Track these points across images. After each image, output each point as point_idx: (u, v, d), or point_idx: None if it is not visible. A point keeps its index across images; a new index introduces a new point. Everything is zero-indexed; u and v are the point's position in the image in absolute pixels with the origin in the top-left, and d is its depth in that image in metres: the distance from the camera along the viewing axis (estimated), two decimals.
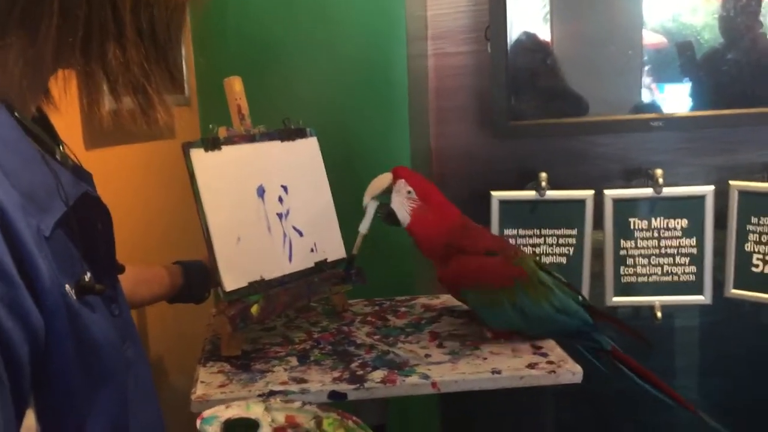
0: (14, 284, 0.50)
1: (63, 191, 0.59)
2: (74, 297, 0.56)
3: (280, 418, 0.86)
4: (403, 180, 1.30)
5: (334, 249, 1.43)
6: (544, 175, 1.76)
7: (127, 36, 0.60)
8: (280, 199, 1.34)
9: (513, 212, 1.79)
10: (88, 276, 0.59)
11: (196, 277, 1.28)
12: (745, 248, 1.73)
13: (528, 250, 1.78)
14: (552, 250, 1.79)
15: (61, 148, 0.64)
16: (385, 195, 1.32)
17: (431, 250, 1.32)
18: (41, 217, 0.55)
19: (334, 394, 1.12)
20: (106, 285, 0.63)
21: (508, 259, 1.28)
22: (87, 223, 0.62)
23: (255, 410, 0.86)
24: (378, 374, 1.16)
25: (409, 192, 1.30)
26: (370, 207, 1.33)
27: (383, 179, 1.32)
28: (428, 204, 1.30)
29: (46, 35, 0.56)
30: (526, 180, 1.85)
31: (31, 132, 0.59)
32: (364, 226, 1.34)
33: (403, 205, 1.30)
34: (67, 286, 0.56)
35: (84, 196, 0.61)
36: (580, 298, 1.31)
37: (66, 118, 0.71)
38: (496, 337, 1.27)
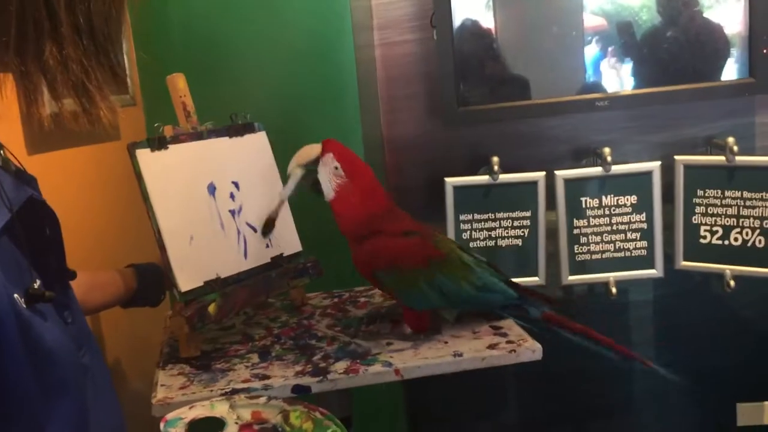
0: None
1: (6, 197, 0.57)
2: (24, 306, 0.55)
3: (246, 414, 0.85)
4: (331, 154, 1.27)
5: (289, 243, 1.42)
6: (496, 159, 1.77)
7: (62, 33, 0.58)
8: (232, 196, 1.33)
9: (467, 197, 1.80)
10: (37, 283, 0.57)
11: (151, 280, 1.26)
12: (693, 221, 1.77)
13: (484, 234, 1.80)
14: (507, 233, 1.81)
15: (1, 152, 0.62)
16: (312, 165, 1.28)
17: (349, 229, 1.28)
18: None
19: (297, 388, 1.11)
20: (57, 291, 0.61)
21: (426, 239, 1.27)
22: (34, 229, 0.60)
23: (219, 409, 0.86)
24: (341, 365, 1.16)
25: (336, 168, 1.26)
26: (294, 174, 1.28)
27: (312, 149, 1.28)
28: (354, 183, 1.27)
29: None
30: (479, 165, 1.86)
31: None
32: (284, 193, 1.29)
33: (329, 179, 1.27)
34: (16, 295, 0.54)
35: (29, 200, 0.60)
36: (502, 275, 1.33)
37: (5, 123, 0.69)
38: (416, 330, 1.27)
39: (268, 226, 1.36)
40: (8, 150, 0.64)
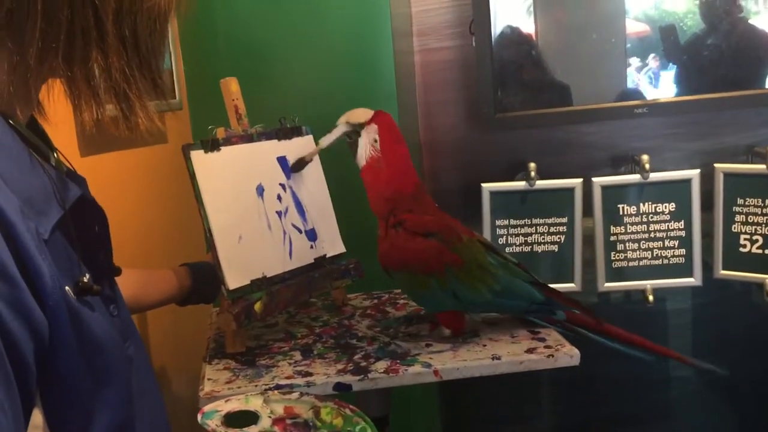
0: (17, 285, 0.51)
1: (59, 195, 0.60)
2: (74, 297, 0.58)
3: (279, 409, 0.87)
4: (375, 126, 1.28)
5: (333, 245, 1.45)
6: (533, 165, 1.78)
7: (108, 42, 0.61)
8: (279, 198, 1.36)
9: (504, 203, 1.81)
10: (87, 277, 0.60)
11: (205, 278, 1.29)
12: (732, 229, 1.76)
13: (520, 239, 1.81)
14: (543, 239, 1.82)
15: (55, 154, 0.65)
16: (358, 128, 1.30)
17: (375, 203, 1.29)
18: (39, 221, 0.56)
19: (339, 386, 1.14)
20: (105, 286, 0.64)
21: (446, 244, 1.25)
22: (84, 226, 0.63)
23: (254, 403, 0.88)
24: (381, 365, 1.18)
25: (375, 140, 1.28)
26: (339, 128, 1.31)
27: (363, 114, 1.29)
28: (386, 161, 1.28)
29: (31, 39, 0.57)
30: (516, 171, 1.87)
31: (26, 138, 0.60)
32: (325, 142, 1.33)
33: (365, 148, 1.28)
34: (67, 287, 0.57)
35: (80, 199, 0.63)
36: (529, 276, 1.30)
37: (61, 126, 0.73)
38: (451, 328, 1.28)
39: (299, 165, 1.39)
40: (60, 152, 0.67)
